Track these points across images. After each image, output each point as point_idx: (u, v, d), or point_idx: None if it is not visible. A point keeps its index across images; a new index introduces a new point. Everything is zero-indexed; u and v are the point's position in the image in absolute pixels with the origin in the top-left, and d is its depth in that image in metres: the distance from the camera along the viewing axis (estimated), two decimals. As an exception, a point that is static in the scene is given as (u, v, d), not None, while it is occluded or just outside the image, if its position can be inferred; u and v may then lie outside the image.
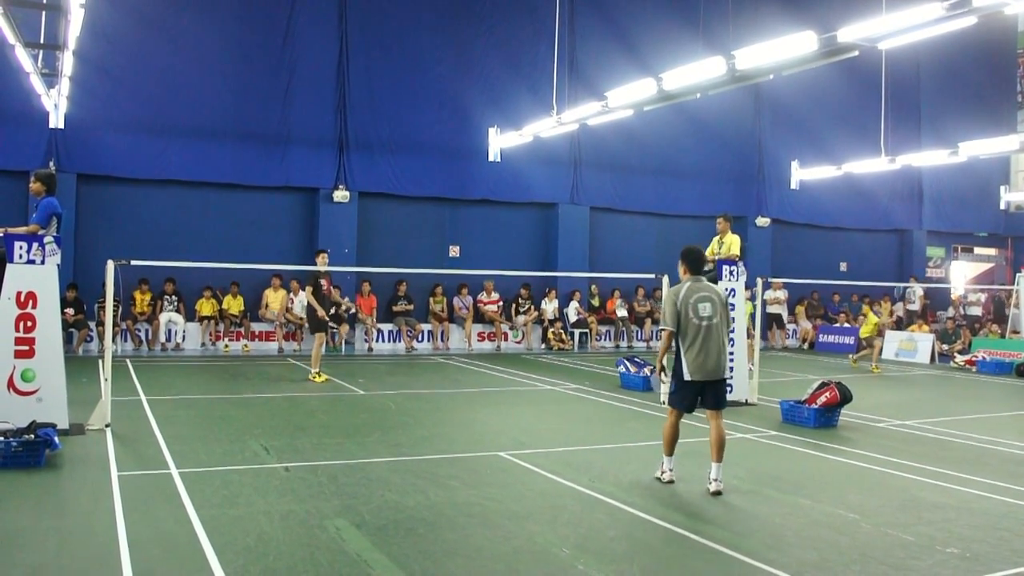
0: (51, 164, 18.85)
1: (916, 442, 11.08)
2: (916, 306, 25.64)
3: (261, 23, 21.48)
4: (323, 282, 15.87)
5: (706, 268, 13.89)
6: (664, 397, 13.45)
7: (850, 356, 21.12)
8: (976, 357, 20.90)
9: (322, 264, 15.59)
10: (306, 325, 17.60)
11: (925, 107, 29.77)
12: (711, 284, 8.46)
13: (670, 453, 8.32)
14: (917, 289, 25.43)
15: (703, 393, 8.12)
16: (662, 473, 8.35)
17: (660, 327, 8.27)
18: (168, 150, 20.43)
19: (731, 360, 13.60)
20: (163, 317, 19.83)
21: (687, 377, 7.97)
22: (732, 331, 7.99)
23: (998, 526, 7.17)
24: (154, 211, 20.70)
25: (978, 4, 10.38)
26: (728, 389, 13.47)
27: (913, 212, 30.25)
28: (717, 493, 7.84)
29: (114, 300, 10.74)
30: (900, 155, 22.58)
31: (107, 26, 18.98)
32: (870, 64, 22.43)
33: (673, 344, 8.11)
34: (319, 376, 15.29)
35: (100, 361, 12.36)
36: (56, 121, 18.00)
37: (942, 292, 29.82)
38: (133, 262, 11.10)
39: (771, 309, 25.01)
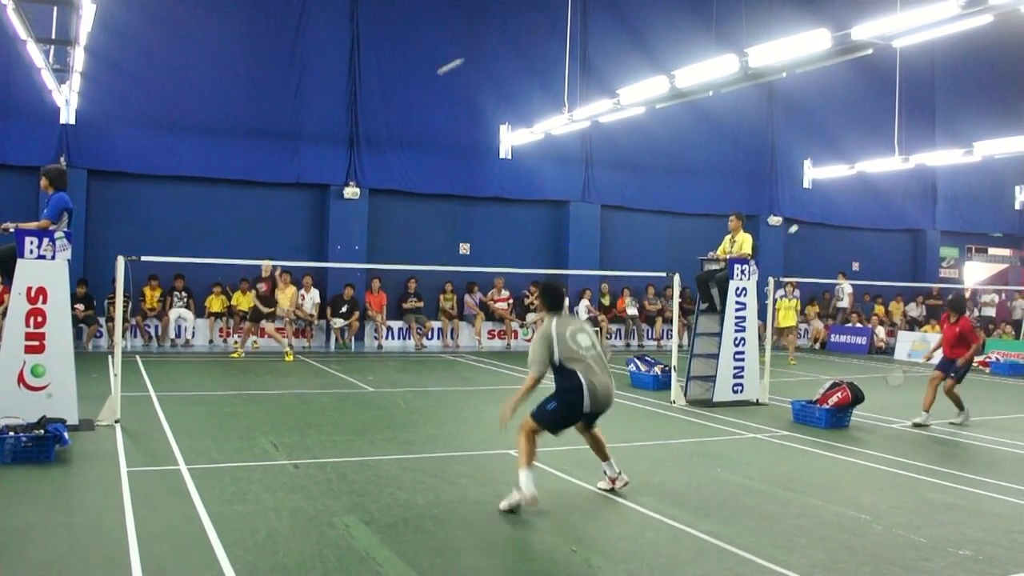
0: (61, 160, 18.91)
1: (928, 443, 11.01)
2: (845, 303, 25.30)
3: (273, 19, 21.47)
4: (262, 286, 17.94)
5: (717, 267, 13.93)
6: (675, 395, 13.45)
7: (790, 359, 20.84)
8: (989, 358, 20.77)
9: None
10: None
11: (940, 106, 29.60)
12: (574, 317, 8.16)
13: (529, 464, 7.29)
14: (846, 286, 24.85)
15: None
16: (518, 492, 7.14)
17: (529, 367, 7.67)
18: (179, 146, 20.46)
19: (741, 359, 13.57)
20: (173, 313, 19.85)
21: (586, 409, 7.41)
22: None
23: (1011, 528, 7.11)
24: (164, 207, 20.72)
25: (994, 3, 10.30)
26: (739, 388, 13.51)
27: (927, 212, 30.10)
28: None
29: (124, 296, 10.76)
30: (914, 154, 22.47)
31: (118, 22, 18.98)
32: (884, 62, 22.29)
33: (555, 378, 7.63)
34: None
35: (110, 357, 12.39)
36: (67, 117, 18.06)
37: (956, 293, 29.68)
38: (143, 258, 11.13)
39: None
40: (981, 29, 12.28)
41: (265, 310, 18.29)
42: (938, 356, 12.91)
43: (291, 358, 17.90)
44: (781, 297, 20.59)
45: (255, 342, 20.33)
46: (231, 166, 20.97)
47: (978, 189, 30.13)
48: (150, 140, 20.22)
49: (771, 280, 15.23)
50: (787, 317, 20.95)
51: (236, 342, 19.08)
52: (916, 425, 12.06)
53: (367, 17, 22.07)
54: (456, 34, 23.08)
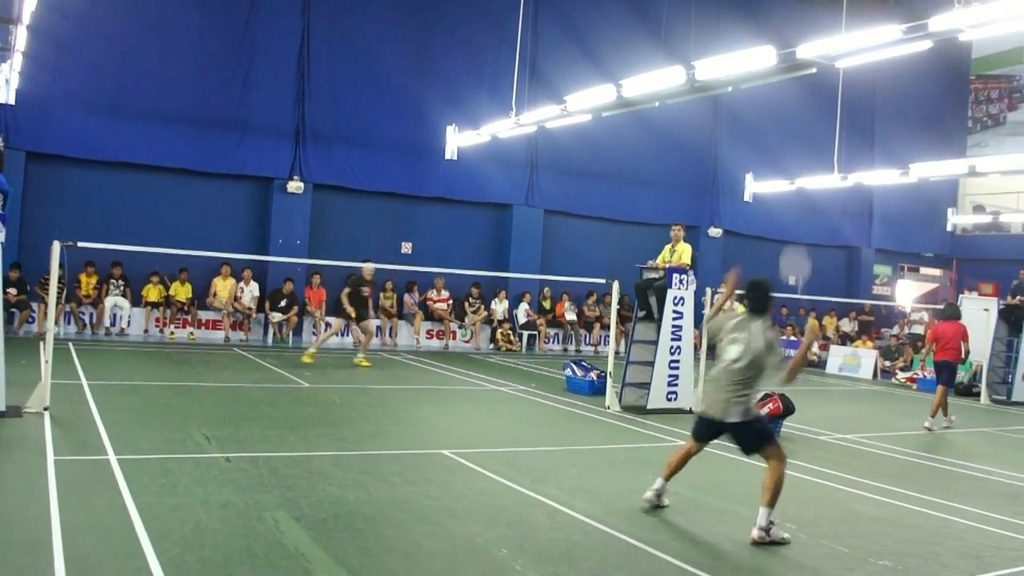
0: (-1, 140, 18.53)
1: (855, 456, 11.25)
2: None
3: (223, 7, 21.23)
4: (365, 289, 17.50)
5: (656, 276, 14.08)
6: (610, 401, 13.58)
7: None
8: (917, 375, 21.26)
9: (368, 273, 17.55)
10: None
11: (879, 127, 30.26)
12: (760, 327, 7.36)
13: (665, 476, 7.64)
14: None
15: (718, 434, 7.46)
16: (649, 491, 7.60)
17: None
18: (121, 131, 20.09)
19: (676, 368, 13.74)
20: (108, 301, 19.53)
21: (698, 409, 7.42)
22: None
23: (930, 540, 7.31)
24: (104, 193, 20.37)
25: (934, 29, 10.60)
26: (673, 396, 13.67)
27: (862, 229, 30.73)
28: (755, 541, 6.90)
29: (59, 282, 10.58)
30: (852, 173, 22.95)
31: (64, 1, 18.63)
32: (827, 82, 22.73)
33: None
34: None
35: (41, 343, 12.18)
36: (6, 96, 17.64)
37: (887, 310, 30.33)
38: (80, 244, 10.93)
39: None
40: (921, 56, 12.62)
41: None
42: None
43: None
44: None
45: (192, 333, 20.12)
46: (174, 154, 20.67)
47: (912, 210, 30.86)
48: (92, 124, 19.84)
49: (708, 291, 15.43)
50: None
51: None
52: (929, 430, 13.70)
53: (319, 12, 21.93)
54: (406, 34, 23.06)
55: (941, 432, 13.98)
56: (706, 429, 7.46)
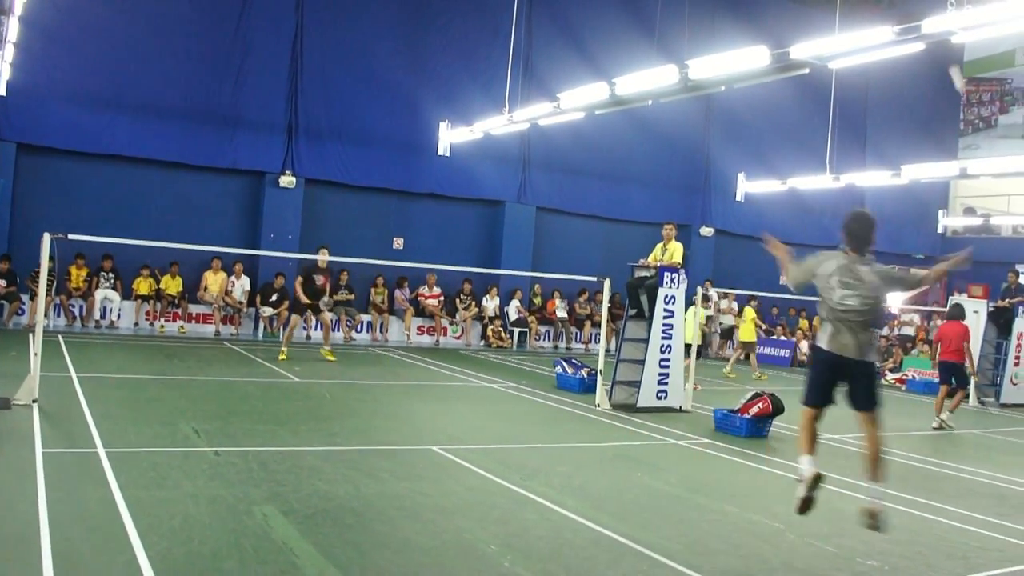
0: (-10, 132, 18.46)
1: (843, 456, 11.27)
2: (711, 312, 25.50)
3: (217, 1, 21.18)
4: (319, 278, 17.00)
5: (647, 274, 14.10)
6: (600, 399, 13.59)
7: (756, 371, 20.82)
8: (906, 376, 21.32)
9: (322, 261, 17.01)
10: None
11: (871, 129, 30.35)
12: (871, 266, 6.53)
13: (810, 451, 6.74)
14: (712, 294, 24.34)
15: (841, 379, 6.65)
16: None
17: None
18: (113, 124, 20.03)
19: (667, 366, 13.75)
20: (99, 294, 19.48)
21: (820, 343, 6.58)
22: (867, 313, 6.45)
23: (916, 541, 7.34)
24: (96, 185, 20.32)
25: (927, 31, 10.64)
26: (663, 395, 13.68)
27: (854, 230, 30.73)
28: (870, 519, 6.48)
29: (49, 274, 10.54)
30: (844, 174, 23.00)
31: (57, -8, 18.59)
32: (820, 83, 22.78)
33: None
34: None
35: (31, 335, 12.13)
36: (-2, 88, 17.61)
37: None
38: (70, 236, 10.91)
39: (724, 320, 25.15)
40: (914, 57, 12.67)
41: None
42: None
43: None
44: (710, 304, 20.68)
45: (182, 327, 20.08)
46: (166, 147, 20.61)
47: (903, 211, 30.91)
48: (84, 116, 19.77)
49: (699, 289, 15.47)
50: (748, 331, 20.97)
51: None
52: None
53: (312, 7, 21.89)
54: (400, 30, 23.04)
55: (932, 433, 14.03)
56: (830, 376, 6.61)
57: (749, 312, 21.01)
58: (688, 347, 17.48)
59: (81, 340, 17.13)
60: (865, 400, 6.69)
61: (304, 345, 19.34)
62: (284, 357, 16.45)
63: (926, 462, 11.36)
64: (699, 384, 17.11)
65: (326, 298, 17.26)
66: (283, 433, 9.69)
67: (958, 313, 15.26)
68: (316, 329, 20.49)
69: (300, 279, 17.10)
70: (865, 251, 6.56)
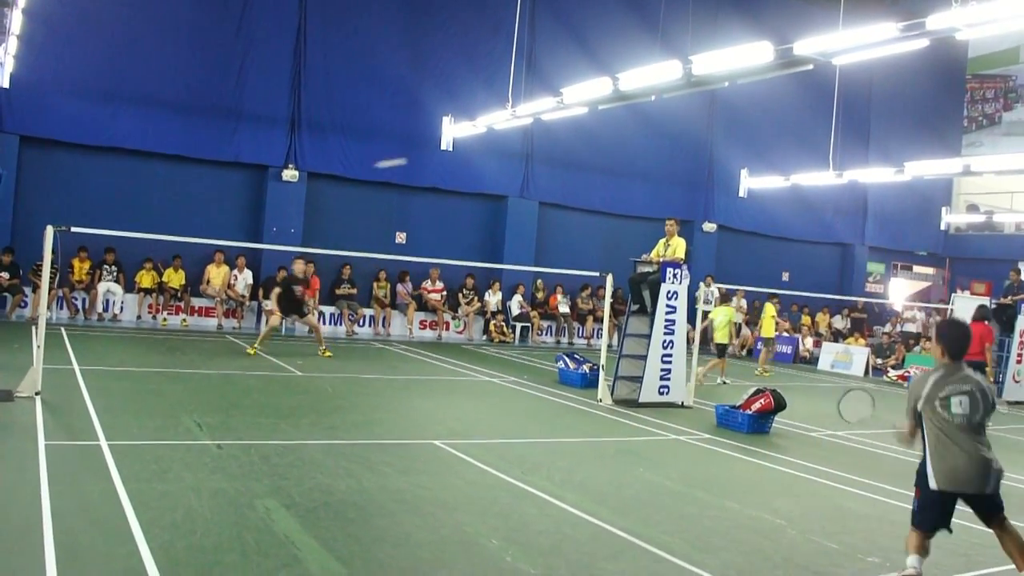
0: (-7, 125, 18.46)
1: (845, 452, 11.29)
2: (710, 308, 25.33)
3: (220, -6, 21.20)
4: (298, 288, 16.76)
5: (650, 270, 14.09)
6: (602, 394, 13.59)
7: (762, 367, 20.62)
8: (908, 372, 21.31)
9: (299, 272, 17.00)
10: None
11: (874, 125, 30.28)
12: (971, 373, 6.29)
13: (920, 552, 6.16)
14: (714, 290, 23.27)
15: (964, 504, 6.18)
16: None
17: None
18: (116, 117, 20.02)
19: (669, 362, 13.74)
20: (101, 287, 19.48)
21: (932, 485, 6.04)
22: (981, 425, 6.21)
23: (918, 538, 7.33)
24: (98, 178, 20.30)
25: (931, 27, 10.62)
26: (665, 390, 13.68)
27: (856, 227, 30.77)
28: None
29: (52, 267, 10.55)
30: (847, 170, 22.97)
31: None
32: (824, 79, 22.76)
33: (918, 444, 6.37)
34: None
35: (33, 327, 12.15)
36: (1, 80, 17.60)
37: (879, 307, 30.39)
38: (73, 229, 10.90)
39: (736, 318, 25.09)
40: (917, 54, 12.66)
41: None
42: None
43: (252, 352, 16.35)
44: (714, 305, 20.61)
45: (184, 320, 20.09)
46: (169, 141, 20.59)
47: (906, 208, 30.92)
48: (87, 109, 19.75)
49: (701, 285, 15.46)
50: (769, 327, 20.84)
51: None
52: None
53: (316, 1, 21.86)
54: (403, 25, 23.01)
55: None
56: (950, 509, 6.14)
57: (769, 308, 20.90)
58: (721, 347, 17.54)
59: (84, 333, 17.14)
60: (991, 517, 6.26)
61: (295, 337, 19.33)
62: (252, 352, 15.90)
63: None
64: (729, 379, 17.22)
65: (305, 308, 17.16)
66: (284, 426, 9.70)
67: (982, 314, 15.48)
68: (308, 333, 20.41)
69: (277, 290, 16.76)
70: (962, 359, 6.28)
